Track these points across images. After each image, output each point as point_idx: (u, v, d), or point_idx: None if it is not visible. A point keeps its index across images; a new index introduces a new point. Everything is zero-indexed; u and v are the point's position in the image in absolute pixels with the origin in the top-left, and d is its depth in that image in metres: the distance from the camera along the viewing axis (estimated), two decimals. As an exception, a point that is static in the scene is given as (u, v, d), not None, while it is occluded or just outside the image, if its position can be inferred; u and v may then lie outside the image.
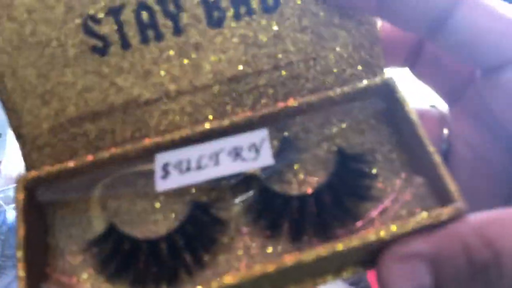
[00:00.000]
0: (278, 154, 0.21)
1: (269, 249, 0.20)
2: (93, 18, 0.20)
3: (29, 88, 0.20)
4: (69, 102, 0.21)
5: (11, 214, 0.58)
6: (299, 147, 0.22)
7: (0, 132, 0.60)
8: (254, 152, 0.20)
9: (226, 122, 0.21)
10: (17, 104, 0.20)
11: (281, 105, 0.21)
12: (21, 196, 0.20)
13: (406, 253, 0.18)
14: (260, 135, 0.21)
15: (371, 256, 0.19)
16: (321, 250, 0.17)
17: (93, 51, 0.21)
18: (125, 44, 0.21)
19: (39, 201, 0.21)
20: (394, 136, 0.22)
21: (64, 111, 0.21)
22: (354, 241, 0.18)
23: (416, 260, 0.18)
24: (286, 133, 0.22)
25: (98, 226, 0.21)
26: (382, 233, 0.18)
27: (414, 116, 0.20)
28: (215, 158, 0.20)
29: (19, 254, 0.18)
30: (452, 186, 0.19)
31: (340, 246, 0.18)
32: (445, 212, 0.18)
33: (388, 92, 0.22)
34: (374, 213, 0.20)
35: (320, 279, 0.19)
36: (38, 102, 0.21)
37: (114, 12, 0.20)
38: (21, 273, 0.18)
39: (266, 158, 0.20)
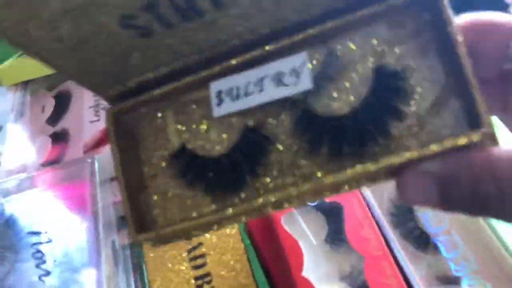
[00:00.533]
0: (319, 75, 0.22)
1: (305, 166, 0.22)
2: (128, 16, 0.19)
3: None
4: None
5: (8, 207, 0.59)
6: (339, 66, 0.22)
7: (0, 124, 0.60)
8: (295, 77, 0.22)
9: (269, 47, 0.22)
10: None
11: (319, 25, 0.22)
12: (111, 124, 0.23)
13: (421, 170, 0.20)
14: (300, 59, 0.22)
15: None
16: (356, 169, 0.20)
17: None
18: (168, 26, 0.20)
19: (125, 128, 0.24)
20: (435, 54, 0.21)
21: None
22: (382, 162, 0.20)
23: (427, 178, 0.20)
24: (326, 54, 0.23)
25: (175, 142, 0.24)
26: (409, 155, 0.19)
27: (458, 37, 0.20)
28: (260, 84, 0.22)
29: (117, 173, 0.22)
30: (483, 112, 0.19)
31: (372, 166, 0.20)
32: (469, 138, 0.19)
33: (433, 6, 0.21)
34: (407, 134, 0.21)
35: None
36: None
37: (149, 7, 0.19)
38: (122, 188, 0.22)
39: (305, 82, 0.22)
